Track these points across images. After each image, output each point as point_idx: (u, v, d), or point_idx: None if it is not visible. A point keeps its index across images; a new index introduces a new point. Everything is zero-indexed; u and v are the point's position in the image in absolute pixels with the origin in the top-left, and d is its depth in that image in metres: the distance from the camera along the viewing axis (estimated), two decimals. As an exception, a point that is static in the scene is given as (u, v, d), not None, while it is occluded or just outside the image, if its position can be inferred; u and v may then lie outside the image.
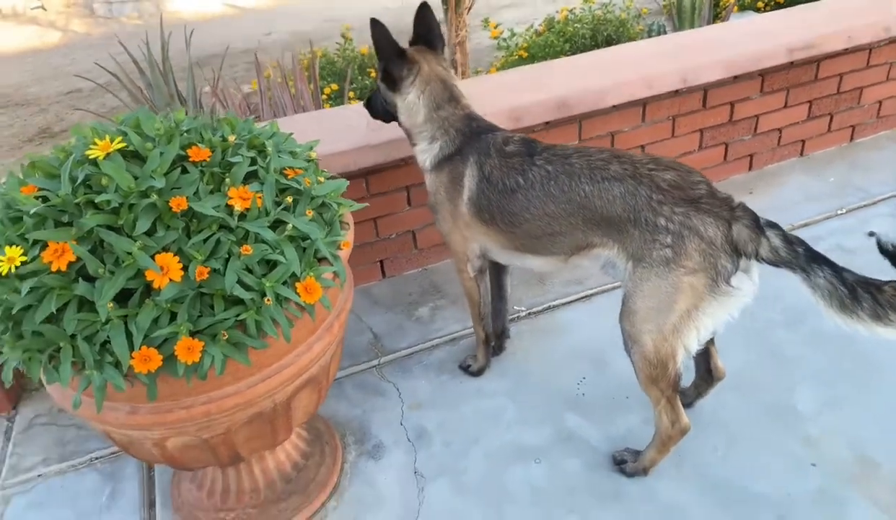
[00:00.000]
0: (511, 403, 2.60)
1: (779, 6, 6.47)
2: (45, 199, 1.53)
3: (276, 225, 1.65)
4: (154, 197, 1.49)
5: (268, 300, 1.54)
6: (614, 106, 3.33)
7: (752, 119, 3.76)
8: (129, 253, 1.45)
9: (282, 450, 2.26)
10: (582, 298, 3.14)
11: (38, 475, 2.50)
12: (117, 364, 1.49)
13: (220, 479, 2.20)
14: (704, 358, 2.32)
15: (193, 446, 1.82)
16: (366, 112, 2.58)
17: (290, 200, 1.69)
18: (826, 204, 3.59)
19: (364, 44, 5.54)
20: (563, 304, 3.12)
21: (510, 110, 3.08)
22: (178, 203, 1.50)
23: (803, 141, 4.01)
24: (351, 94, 4.95)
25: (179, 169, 1.58)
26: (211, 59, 6.75)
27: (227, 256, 1.53)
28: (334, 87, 5.08)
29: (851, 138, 4.14)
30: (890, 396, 2.46)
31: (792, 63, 3.65)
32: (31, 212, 1.49)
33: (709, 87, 3.54)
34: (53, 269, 1.44)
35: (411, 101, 2.31)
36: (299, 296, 1.61)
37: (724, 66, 3.46)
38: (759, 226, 1.85)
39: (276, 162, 1.72)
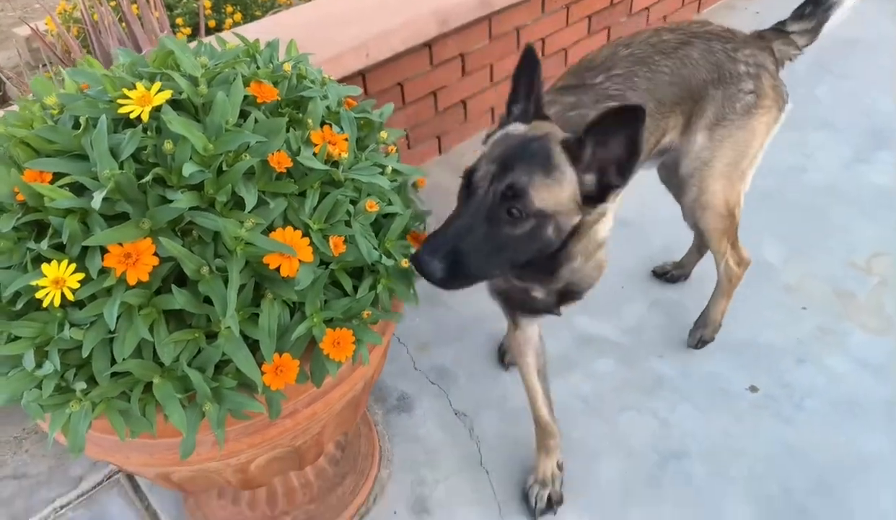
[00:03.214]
0: (519, 319, 2.50)
1: None
2: (73, 187, 1.05)
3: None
4: (246, 157, 1.09)
5: (405, 262, 1.25)
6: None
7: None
8: (238, 238, 1.06)
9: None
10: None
11: (-9, 550, 1.93)
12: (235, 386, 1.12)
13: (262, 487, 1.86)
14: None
15: (280, 458, 1.49)
16: None
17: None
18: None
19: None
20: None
21: (433, 13, 2.80)
22: (280, 160, 1.12)
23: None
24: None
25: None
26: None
27: (346, 217, 1.19)
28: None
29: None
30: (840, 236, 2.75)
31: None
32: (67, 206, 1.02)
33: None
34: (131, 281, 1.01)
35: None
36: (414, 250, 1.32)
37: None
38: (784, 31, 1.96)
39: (335, 90, 1.36)
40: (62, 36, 3.02)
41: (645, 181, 3.08)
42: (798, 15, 1.98)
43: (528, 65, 1.42)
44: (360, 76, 2.65)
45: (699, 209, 2.01)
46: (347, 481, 1.98)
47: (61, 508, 2.02)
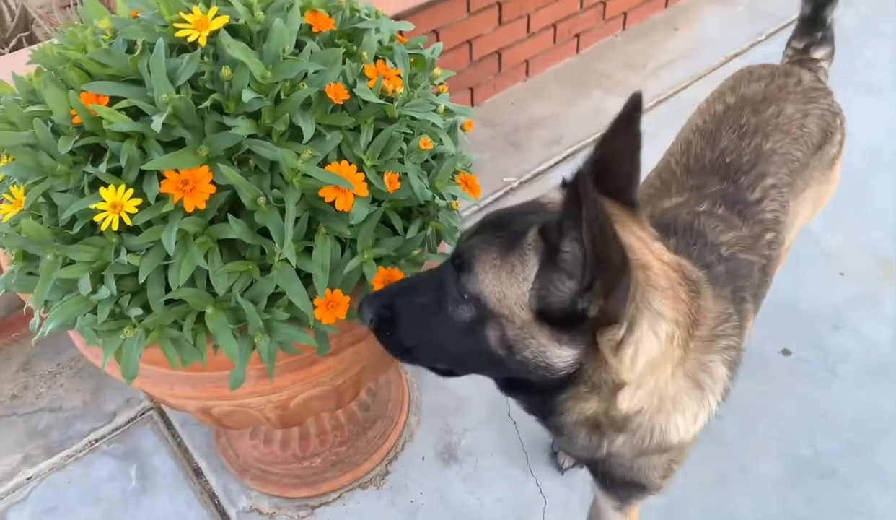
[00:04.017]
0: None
1: None
2: (129, 112, 1.04)
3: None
4: (304, 87, 1.07)
5: (455, 204, 1.23)
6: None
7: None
8: (295, 169, 1.04)
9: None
10: (565, 157, 3.02)
11: (28, 478, 1.97)
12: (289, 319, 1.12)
13: (295, 427, 1.88)
14: None
15: (319, 397, 1.49)
16: None
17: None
18: (746, 32, 3.72)
19: None
20: (549, 167, 2.99)
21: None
22: (337, 91, 1.09)
23: (707, -29, 4.07)
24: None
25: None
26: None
27: (399, 155, 1.17)
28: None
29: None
30: (881, 202, 2.70)
31: None
32: (125, 130, 1.00)
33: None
34: (188, 208, 1.00)
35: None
36: (468, 193, 1.30)
37: None
38: (816, 60, 1.76)
39: (387, 25, 1.33)
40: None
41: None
42: (815, 42, 1.75)
43: (623, 115, 1.01)
44: (396, 21, 2.60)
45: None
46: (377, 426, 2.00)
47: (96, 441, 2.06)
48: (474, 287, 0.98)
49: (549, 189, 1.10)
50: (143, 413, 2.12)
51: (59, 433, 2.08)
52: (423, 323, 1.07)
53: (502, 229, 0.99)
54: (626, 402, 1.03)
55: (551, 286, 0.94)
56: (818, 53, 1.77)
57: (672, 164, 1.54)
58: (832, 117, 1.61)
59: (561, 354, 0.97)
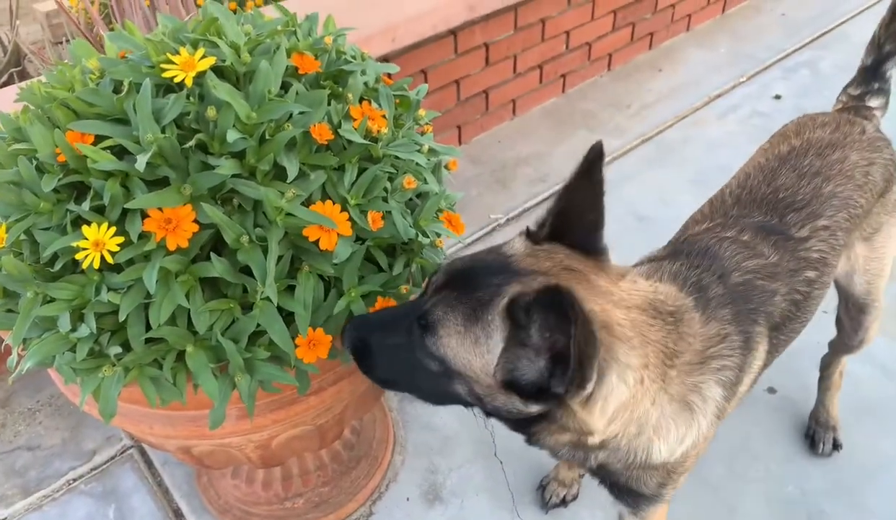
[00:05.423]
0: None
1: None
2: (114, 151, 1.04)
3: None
4: (289, 127, 1.08)
5: (440, 242, 1.24)
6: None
7: (652, -2, 3.82)
8: (279, 208, 1.05)
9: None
10: (551, 194, 3.05)
11: (3, 519, 1.92)
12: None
13: (277, 467, 1.86)
14: None
15: (301, 437, 1.48)
16: None
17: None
18: (728, 73, 3.80)
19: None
20: (535, 204, 3.01)
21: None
22: (322, 132, 1.11)
23: (690, 15, 4.17)
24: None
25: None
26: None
27: (383, 194, 1.18)
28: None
29: (723, 10, 4.40)
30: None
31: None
32: (110, 169, 1.01)
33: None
34: (171, 246, 1.00)
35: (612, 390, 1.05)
36: (451, 231, 1.31)
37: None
38: (870, 108, 1.78)
39: (373, 67, 1.35)
40: (87, 9, 3.00)
41: (663, 174, 3.09)
42: (872, 91, 1.77)
43: (584, 166, 1.04)
44: (384, 61, 2.64)
45: (870, 311, 1.82)
46: (361, 466, 1.97)
47: (74, 480, 2.02)
48: (439, 350, 1.01)
49: (513, 236, 1.12)
50: (123, 451, 2.09)
51: (37, 472, 2.04)
52: (397, 362, 1.10)
53: (467, 292, 1.00)
54: (598, 437, 1.07)
55: (517, 362, 0.97)
56: (873, 102, 1.78)
57: (726, 194, 1.56)
58: (894, 167, 1.62)
59: (530, 410, 1.02)
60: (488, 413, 1.11)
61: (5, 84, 3.07)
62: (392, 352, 1.09)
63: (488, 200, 3.01)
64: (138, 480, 2.02)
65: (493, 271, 1.02)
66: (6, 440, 2.12)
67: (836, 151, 1.55)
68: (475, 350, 0.98)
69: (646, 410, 1.07)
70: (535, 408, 1.01)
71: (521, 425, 1.10)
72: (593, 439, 1.07)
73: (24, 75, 3.37)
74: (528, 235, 1.10)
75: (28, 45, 3.35)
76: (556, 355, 0.93)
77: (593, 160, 1.03)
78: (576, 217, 1.07)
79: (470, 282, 1.02)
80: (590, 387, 0.95)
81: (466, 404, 1.11)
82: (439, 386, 1.06)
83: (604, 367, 0.97)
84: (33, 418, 2.19)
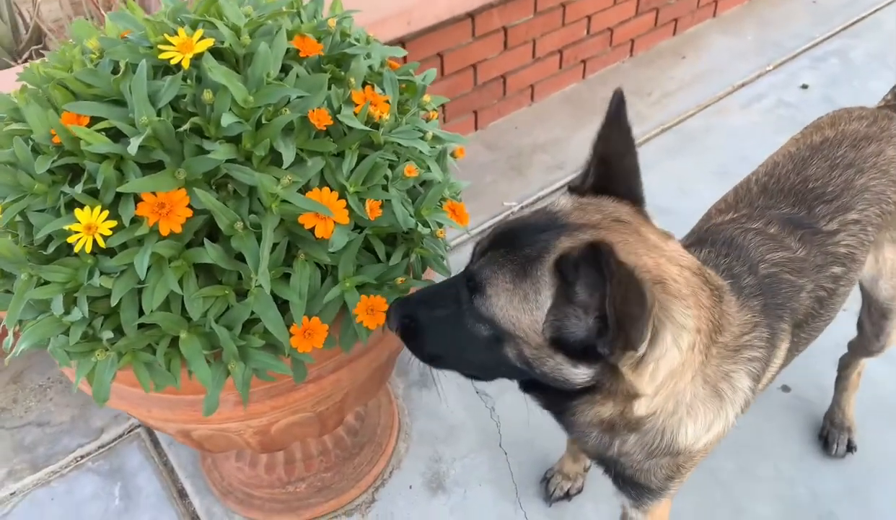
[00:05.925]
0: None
1: None
2: (110, 133, 1.03)
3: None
4: (287, 112, 1.06)
5: (441, 232, 1.21)
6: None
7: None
8: (274, 195, 1.03)
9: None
10: (568, 183, 3.00)
11: (11, 493, 1.95)
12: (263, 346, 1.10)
13: (280, 451, 1.86)
14: None
15: (301, 423, 1.47)
16: None
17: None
18: (753, 62, 3.70)
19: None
20: (550, 192, 2.97)
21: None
22: (320, 117, 1.08)
23: (716, 1, 4.06)
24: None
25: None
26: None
27: (383, 182, 1.16)
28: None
29: (752, -5, 4.29)
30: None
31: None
32: (103, 152, 0.99)
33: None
34: (164, 231, 0.99)
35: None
36: (455, 221, 1.28)
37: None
38: None
39: (379, 51, 1.32)
40: (104, -13, 3.00)
41: (683, 165, 3.02)
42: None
43: (612, 113, 1.04)
44: (400, 44, 2.60)
45: (895, 325, 1.75)
46: (365, 452, 1.96)
47: (82, 457, 2.04)
48: (488, 310, 0.99)
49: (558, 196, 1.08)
50: (130, 430, 2.10)
51: (46, 449, 2.06)
52: (446, 335, 1.08)
53: (514, 250, 0.98)
54: (643, 407, 1.05)
55: (566, 320, 0.94)
56: None
57: (752, 182, 1.50)
58: None
59: (578, 373, 0.98)
60: (534, 385, 1.08)
61: (27, 61, 3.09)
62: (440, 325, 1.08)
63: (503, 188, 2.97)
64: (144, 459, 2.03)
65: (540, 228, 1.00)
66: (17, 415, 2.15)
67: (871, 145, 1.47)
68: (524, 307, 0.96)
69: (685, 385, 1.05)
70: (583, 372, 0.98)
71: (565, 397, 1.06)
72: (639, 410, 1.04)
73: (41, 53, 3.38)
74: (572, 189, 1.07)
75: (49, 24, 3.36)
76: (604, 314, 0.87)
77: (618, 105, 1.04)
78: (615, 163, 1.05)
79: (517, 240, 0.99)
80: (642, 349, 0.92)
81: (515, 375, 1.08)
82: (489, 353, 1.03)
83: (658, 326, 0.93)
84: (44, 394, 2.21)
